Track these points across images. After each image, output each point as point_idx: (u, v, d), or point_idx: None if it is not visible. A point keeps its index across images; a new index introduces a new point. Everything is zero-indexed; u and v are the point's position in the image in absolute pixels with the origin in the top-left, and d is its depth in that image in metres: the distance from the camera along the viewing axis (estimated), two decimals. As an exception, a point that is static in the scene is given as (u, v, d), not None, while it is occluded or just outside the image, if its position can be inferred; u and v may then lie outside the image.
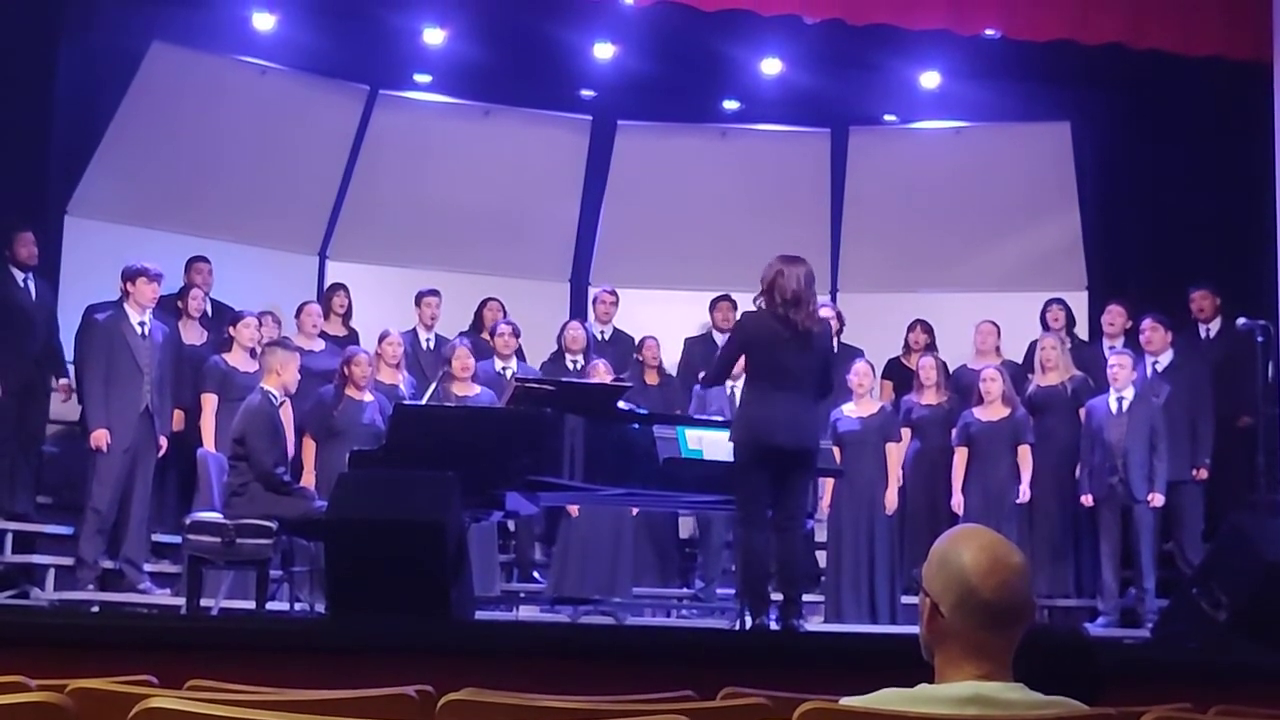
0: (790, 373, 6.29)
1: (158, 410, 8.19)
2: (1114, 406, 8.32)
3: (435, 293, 9.70)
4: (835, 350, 8.63)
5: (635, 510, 8.66)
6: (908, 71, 10.37)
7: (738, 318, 7.14)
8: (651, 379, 9.48)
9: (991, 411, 8.55)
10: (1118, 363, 8.38)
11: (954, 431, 8.65)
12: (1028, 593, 2.36)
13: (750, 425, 6.37)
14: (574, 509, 8.61)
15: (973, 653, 2.33)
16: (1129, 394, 8.32)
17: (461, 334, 9.38)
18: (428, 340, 9.62)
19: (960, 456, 8.58)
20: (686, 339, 10.14)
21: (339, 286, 9.85)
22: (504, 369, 9.00)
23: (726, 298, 9.78)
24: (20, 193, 8.80)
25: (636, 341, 9.75)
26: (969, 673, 2.32)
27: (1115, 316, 9.19)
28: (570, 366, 9.32)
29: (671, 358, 9.95)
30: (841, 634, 7.74)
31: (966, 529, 2.43)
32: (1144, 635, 7.69)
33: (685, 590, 9.34)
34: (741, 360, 6.56)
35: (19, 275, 8.41)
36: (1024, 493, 8.43)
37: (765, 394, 6.34)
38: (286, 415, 7.74)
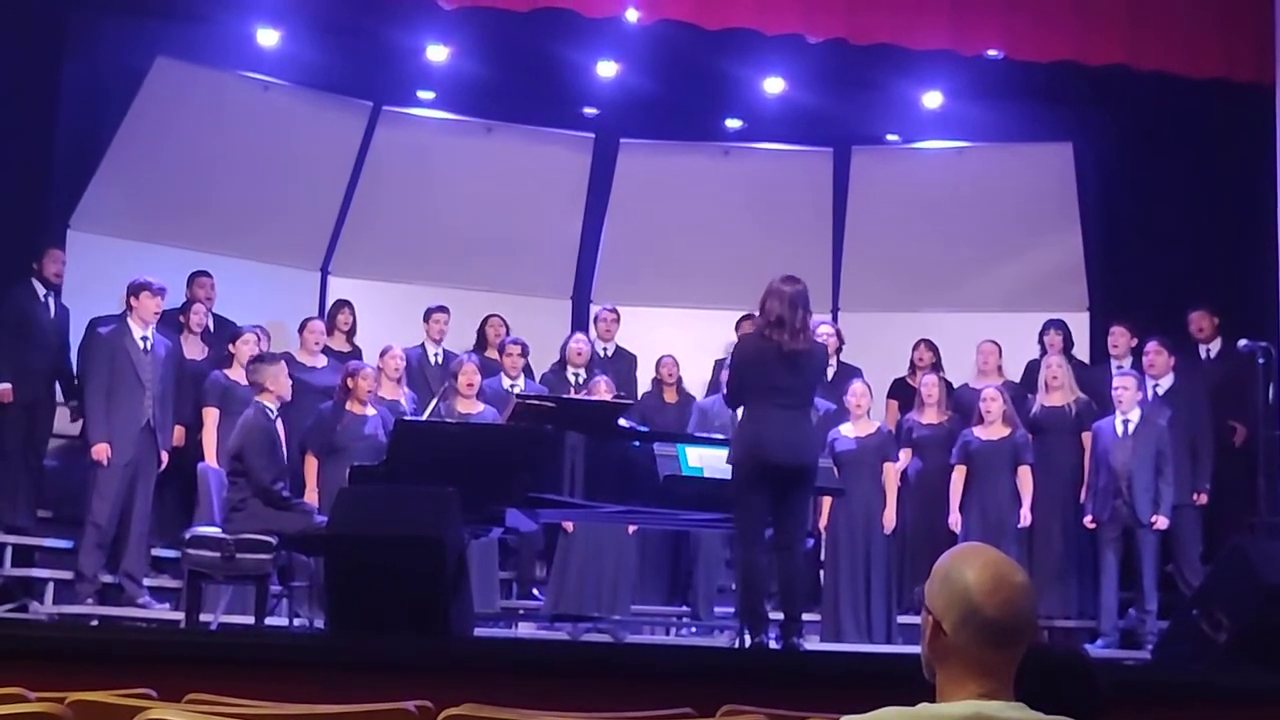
0: (780, 390, 6.34)
1: (159, 424, 8.19)
2: (1120, 429, 8.31)
3: (444, 309, 9.71)
4: (830, 373, 8.68)
5: (631, 529, 8.63)
6: (910, 91, 10.37)
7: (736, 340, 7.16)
8: (670, 397, 9.49)
9: (991, 431, 8.55)
10: (1122, 384, 8.35)
11: (953, 450, 8.65)
12: (1031, 612, 2.34)
13: (745, 444, 6.42)
14: (569, 525, 8.58)
15: (975, 671, 2.32)
16: (1135, 416, 8.29)
17: (468, 352, 9.36)
18: (436, 356, 9.61)
19: (958, 475, 8.57)
20: (716, 360, 10.00)
21: (344, 303, 9.85)
22: (512, 387, 8.98)
23: (751, 317, 9.72)
24: (24, 207, 8.82)
25: (639, 358, 9.67)
26: (971, 691, 2.31)
27: (1119, 338, 9.15)
28: (571, 379, 9.31)
29: (687, 375, 9.86)
30: (842, 653, 7.72)
31: (970, 547, 2.42)
32: (1144, 657, 7.68)
33: (685, 609, 9.31)
34: None
35: (41, 291, 8.48)
36: (1025, 516, 8.42)
37: (759, 412, 6.42)
38: (282, 426, 7.72)
